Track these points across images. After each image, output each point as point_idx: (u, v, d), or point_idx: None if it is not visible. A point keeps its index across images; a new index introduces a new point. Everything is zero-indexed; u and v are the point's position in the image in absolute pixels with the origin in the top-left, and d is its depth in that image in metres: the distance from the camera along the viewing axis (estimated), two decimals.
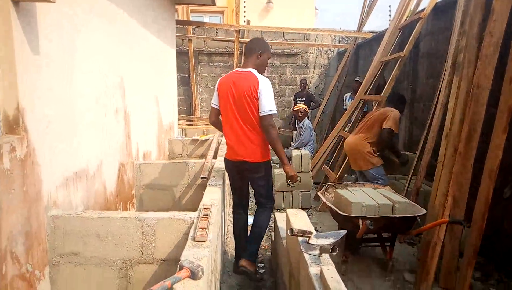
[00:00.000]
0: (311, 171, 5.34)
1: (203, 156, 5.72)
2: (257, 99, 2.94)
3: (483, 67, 3.05)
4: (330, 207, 3.23)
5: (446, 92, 3.81)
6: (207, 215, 2.24)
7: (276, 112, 3.04)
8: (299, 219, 2.31)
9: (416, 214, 2.98)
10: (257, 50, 3.09)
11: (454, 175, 3.07)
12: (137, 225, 2.27)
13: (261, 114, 2.94)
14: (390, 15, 9.38)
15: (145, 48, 4.35)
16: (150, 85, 4.60)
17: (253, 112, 2.97)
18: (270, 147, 3.10)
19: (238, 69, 3.17)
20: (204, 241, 1.92)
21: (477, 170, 3.01)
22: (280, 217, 3.17)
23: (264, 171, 3.15)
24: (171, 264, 2.29)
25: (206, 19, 11.30)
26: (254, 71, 3.04)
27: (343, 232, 2.00)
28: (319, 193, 3.64)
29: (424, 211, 3.02)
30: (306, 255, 1.81)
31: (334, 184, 3.80)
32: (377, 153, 4.24)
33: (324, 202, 3.52)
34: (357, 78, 6.97)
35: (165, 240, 2.29)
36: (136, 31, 4.01)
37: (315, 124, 8.32)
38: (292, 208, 5.13)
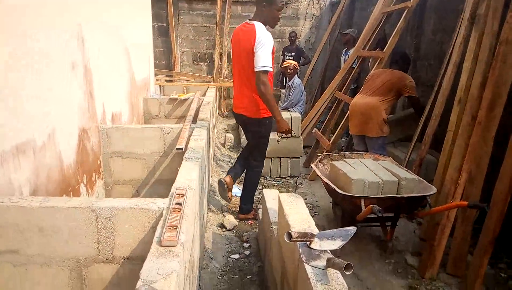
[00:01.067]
0: (301, 135, 4.88)
1: (182, 117, 5.18)
2: (253, 54, 2.90)
3: None
4: (326, 182, 2.80)
5: (461, 49, 3.31)
6: (180, 204, 1.77)
7: (269, 68, 2.93)
8: (295, 210, 1.85)
9: (427, 193, 2.58)
10: (261, 3, 3.01)
11: (471, 148, 2.65)
12: (90, 217, 1.78)
13: (254, 70, 2.91)
14: None
15: None
16: (119, 35, 3.94)
17: (249, 67, 2.96)
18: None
19: (248, 21, 3.13)
20: (174, 246, 1.46)
21: (498, 143, 2.60)
22: (269, 196, 2.72)
23: (258, 128, 3.23)
24: (136, 263, 1.85)
25: None
26: (258, 24, 2.97)
27: (352, 230, 1.56)
28: (312, 165, 3.20)
29: (435, 190, 2.63)
30: (308, 268, 1.38)
31: (330, 154, 3.36)
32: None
33: (316, 172, 3.10)
34: (345, 31, 6.37)
35: (127, 235, 1.83)
36: None
37: (304, 82, 7.75)
38: (280, 176, 4.73)
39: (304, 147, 5.15)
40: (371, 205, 2.24)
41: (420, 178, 2.78)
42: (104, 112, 3.52)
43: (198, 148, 2.80)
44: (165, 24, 8.25)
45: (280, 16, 3.12)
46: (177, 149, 2.83)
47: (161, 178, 3.59)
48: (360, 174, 2.72)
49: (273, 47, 3.02)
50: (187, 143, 3.00)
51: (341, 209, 3.09)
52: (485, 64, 2.76)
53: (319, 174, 2.97)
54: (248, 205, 3.57)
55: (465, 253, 2.61)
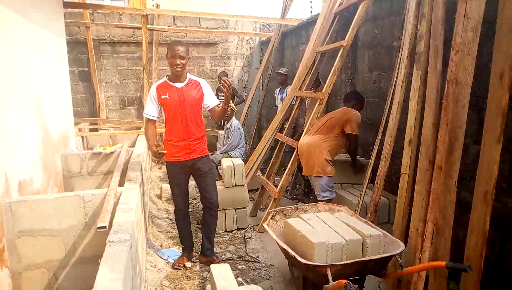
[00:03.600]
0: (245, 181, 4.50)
1: (109, 173, 4.57)
2: None
3: (460, 58, 2.44)
4: (284, 249, 2.42)
5: (403, 88, 3.20)
6: None
7: (145, 115, 3.30)
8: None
9: (396, 252, 2.30)
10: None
11: (434, 195, 2.44)
12: None
13: None
14: (311, 1, 8.91)
15: (10, 36, 3.08)
16: (24, 87, 3.33)
17: None
18: (168, 149, 3.26)
19: None
20: None
21: (461, 184, 2.44)
22: (219, 275, 2.25)
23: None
24: None
25: (107, 2, 9.75)
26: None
27: None
28: (265, 225, 2.81)
29: (403, 246, 2.36)
30: None
31: (282, 209, 3.01)
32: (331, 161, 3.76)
33: (266, 229, 2.74)
34: (279, 70, 6.29)
35: None
36: None
37: (241, 121, 7.50)
38: (226, 230, 4.27)
39: (248, 191, 4.78)
40: (344, 282, 1.88)
41: (384, 232, 2.52)
42: (7, 182, 2.86)
43: (126, 223, 2.28)
44: (86, 69, 7.61)
45: (176, 62, 3.08)
46: (99, 228, 2.29)
47: (83, 256, 2.97)
48: (320, 235, 2.38)
49: (155, 95, 3.22)
50: (112, 216, 2.46)
51: (301, 272, 2.72)
52: (435, 104, 2.64)
53: (274, 237, 2.58)
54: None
55: None
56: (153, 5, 7.84)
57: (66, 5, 5.33)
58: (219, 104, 3.38)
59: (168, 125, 3.27)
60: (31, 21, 3.60)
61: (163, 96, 3.18)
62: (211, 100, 3.35)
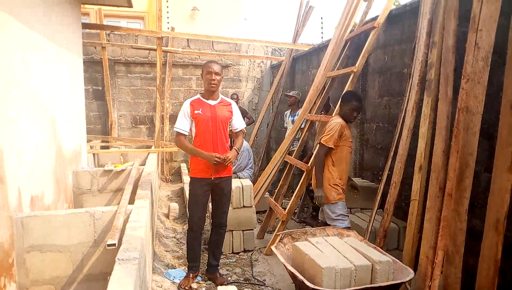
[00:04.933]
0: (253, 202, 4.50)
1: (119, 190, 4.61)
2: None
3: (471, 87, 2.47)
4: (292, 272, 2.41)
5: (413, 114, 3.23)
6: None
7: (177, 129, 3.34)
8: None
9: (405, 280, 2.27)
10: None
11: (444, 223, 2.43)
12: None
13: None
14: (322, 28, 9.07)
15: (26, 52, 3.18)
16: (40, 104, 3.42)
17: None
18: (195, 165, 3.34)
19: None
20: None
21: (471, 211, 2.42)
22: None
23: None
24: None
25: (123, 24, 10.04)
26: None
27: None
28: (273, 248, 2.80)
29: (412, 274, 2.34)
30: None
31: (290, 232, 3.00)
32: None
33: (273, 252, 2.72)
34: (288, 93, 6.36)
35: None
36: (18, 33, 2.86)
37: (251, 142, 7.55)
38: (233, 251, 4.25)
39: (256, 212, 4.76)
40: None
41: (394, 258, 2.49)
42: (20, 197, 2.90)
43: (135, 241, 2.30)
44: (100, 88, 7.78)
45: (211, 78, 3.23)
46: (108, 245, 2.30)
47: (91, 273, 2.97)
48: (329, 260, 2.37)
49: (189, 110, 3.31)
50: (122, 233, 2.48)
51: None
52: (445, 131, 2.66)
53: (282, 260, 2.57)
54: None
55: None
56: (168, 28, 8.05)
57: (84, 26, 5.51)
58: (243, 129, 3.52)
59: (198, 140, 3.32)
60: (51, 41, 3.73)
61: (195, 111, 3.27)
62: (238, 123, 3.47)
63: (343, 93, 3.82)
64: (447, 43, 2.86)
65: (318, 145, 3.56)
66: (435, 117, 2.90)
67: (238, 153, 3.37)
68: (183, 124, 3.32)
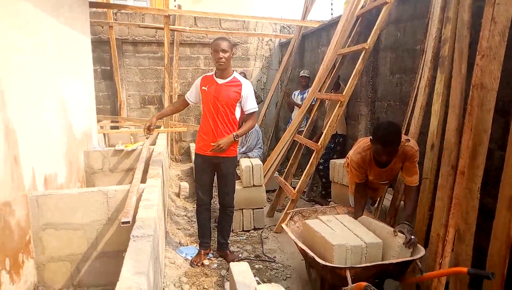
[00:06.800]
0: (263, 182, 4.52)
1: (129, 170, 4.66)
2: None
3: (486, 63, 2.41)
4: (303, 249, 2.43)
5: (426, 92, 3.18)
6: None
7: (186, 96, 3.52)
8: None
9: (416, 257, 2.29)
10: None
11: (456, 200, 2.42)
12: None
13: None
14: (332, 4, 8.89)
15: (38, 34, 3.17)
16: (50, 85, 3.42)
17: None
18: (197, 141, 3.46)
19: None
20: None
21: (484, 190, 2.41)
22: (238, 271, 2.28)
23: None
24: None
25: (130, 3, 9.92)
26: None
27: None
28: (283, 226, 2.83)
29: (423, 251, 2.35)
30: None
31: (301, 210, 3.02)
32: None
33: (283, 227, 2.74)
34: (303, 74, 6.26)
35: None
36: (21, 11, 2.84)
37: (259, 122, 7.54)
38: (243, 229, 4.30)
39: (266, 191, 4.80)
40: (364, 284, 1.88)
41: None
42: (34, 176, 2.95)
43: (148, 219, 2.33)
44: (108, 68, 7.76)
45: (218, 56, 3.16)
46: (123, 223, 2.34)
47: (105, 250, 3.04)
48: (340, 238, 2.39)
49: (199, 84, 3.39)
50: (135, 212, 2.52)
51: (319, 274, 2.72)
52: (459, 108, 2.61)
53: (293, 237, 2.60)
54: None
55: None
56: (175, 6, 7.94)
57: (91, 4, 5.46)
58: (255, 111, 3.44)
59: (202, 117, 3.42)
60: (61, 21, 3.71)
61: (203, 87, 3.33)
62: (250, 105, 3.38)
63: (377, 125, 3.34)
64: (462, 17, 2.78)
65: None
66: (448, 95, 2.85)
67: (235, 140, 3.28)
68: (190, 93, 3.47)
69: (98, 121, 6.44)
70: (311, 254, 2.31)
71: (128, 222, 2.32)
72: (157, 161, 3.94)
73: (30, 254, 2.84)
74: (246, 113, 3.41)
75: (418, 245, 2.43)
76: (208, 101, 3.27)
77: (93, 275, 3.07)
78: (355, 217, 2.81)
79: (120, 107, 7.79)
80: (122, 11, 7.46)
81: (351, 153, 3.04)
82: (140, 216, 2.37)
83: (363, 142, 2.95)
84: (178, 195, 5.60)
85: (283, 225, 2.85)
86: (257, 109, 3.46)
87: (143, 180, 3.36)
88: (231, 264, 2.38)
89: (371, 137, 2.74)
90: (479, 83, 2.42)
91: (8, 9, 2.58)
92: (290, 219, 2.96)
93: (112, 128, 7.26)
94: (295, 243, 2.56)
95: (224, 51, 3.17)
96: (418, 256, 2.30)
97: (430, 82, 3.15)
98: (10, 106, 2.52)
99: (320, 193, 5.23)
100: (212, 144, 3.22)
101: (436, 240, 2.48)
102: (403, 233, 2.40)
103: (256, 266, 3.45)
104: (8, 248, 2.45)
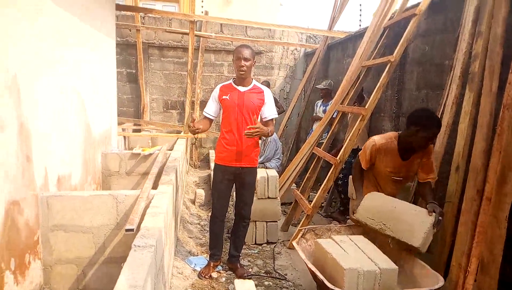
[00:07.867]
0: (279, 194, 4.41)
1: (145, 174, 4.64)
2: None
3: None
4: (312, 271, 2.31)
5: (453, 109, 3.01)
6: None
7: (204, 113, 3.37)
8: None
9: (433, 288, 2.12)
10: None
11: (481, 228, 2.24)
12: None
13: None
14: (360, 15, 8.71)
15: (60, 32, 3.19)
16: (70, 83, 3.45)
17: None
18: (219, 152, 3.34)
19: None
20: None
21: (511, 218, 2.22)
22: (240, 287, 2.18)
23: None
24: None
25: (159, 7, 10.08)
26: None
27: None
28: (294, 244, 2.71)
29: (442, 281, 2.18)
30: None
31: (313, 228, 2.89)
32: None
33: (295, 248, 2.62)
34: (318, 86, 6.14)
35: None
36: (44, 6, 2.87)
37: (280, 132, 7.44)
38: (255, 242, 4.19)
39: (281, 204, 4.68)
40: None
41: (422, 263, 2.33)
42: (47, 176, 2.95)
43: (154, 228, 2.27)
44: (134, 71, 7.86)
45: (240, 63, 3.10)
46: (127, 230, 2.29)
47: (112, 255, 3.00)
48: (352, 260, 2.25)
49: (217, 94, 3.27)
50: (141, 219, 2.46)
51: None
52: (487, 128, 2.44)
53: (303, 256, 2.48)
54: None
55: None
56: (202, 12, 7.99)
57: (118, 7, 5.54)
58: (274, 118, 3.35)
59: (224, 127, 3.28)
60: (85, 22, 3.74)
61: (223, 96, 3.21)
62: (269, 112, 3.29)
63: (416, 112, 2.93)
64: (495, 32, 2.61)
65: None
66: (476, 114, 2.68)
67: (267, 133, 3.15)
68: (209, 108, 3.32)
69: (121, 123, 6.52)
70: (321, 276, 2.19)
71: (132, 229, 2.27)
72: (172, 167, 3.89)
73: (38, 255, 2.83)
74: (265, 120, 3.29)
75: (437, 274, 2.26)
76: (230, 110, 3.19)
77: (100, 280, 3.04)
78: (358, 203, 2.87)
79: (143, 110, 7.87)
80: (149, 15, 7.55)
81: (377, 136, 3.03)
82: (145, 225, 2.31)
83: (392, 133, 3.02)
84: (193, 202, 5.55)
85: (294, 243, 2.73)
86: (276, 116, 3.37)
87: (155, 186, 3.32)
88: (236, 281, 2.27)
89: (414, 123, 2.73)
90: (511, 103, 2.25)
91: (29, 9, 2.60)
92: (302, 237, 2.83)
93: (134, 131, 7.33)
94: (305, 263, 2.44)
95: (246, 59, 3.11)
96: (436, 286, 2.14)
97: (457, 99, 2.98)
98: (26, 103, 2.53)
99: (338, 209, 5.06)
100: (248, 127, 3.01)
101: (457, 270, 2.31)
102: (435, 212, 2.45)
103: (266, 283, 3.32)
104: (14, 248, 2.44)
